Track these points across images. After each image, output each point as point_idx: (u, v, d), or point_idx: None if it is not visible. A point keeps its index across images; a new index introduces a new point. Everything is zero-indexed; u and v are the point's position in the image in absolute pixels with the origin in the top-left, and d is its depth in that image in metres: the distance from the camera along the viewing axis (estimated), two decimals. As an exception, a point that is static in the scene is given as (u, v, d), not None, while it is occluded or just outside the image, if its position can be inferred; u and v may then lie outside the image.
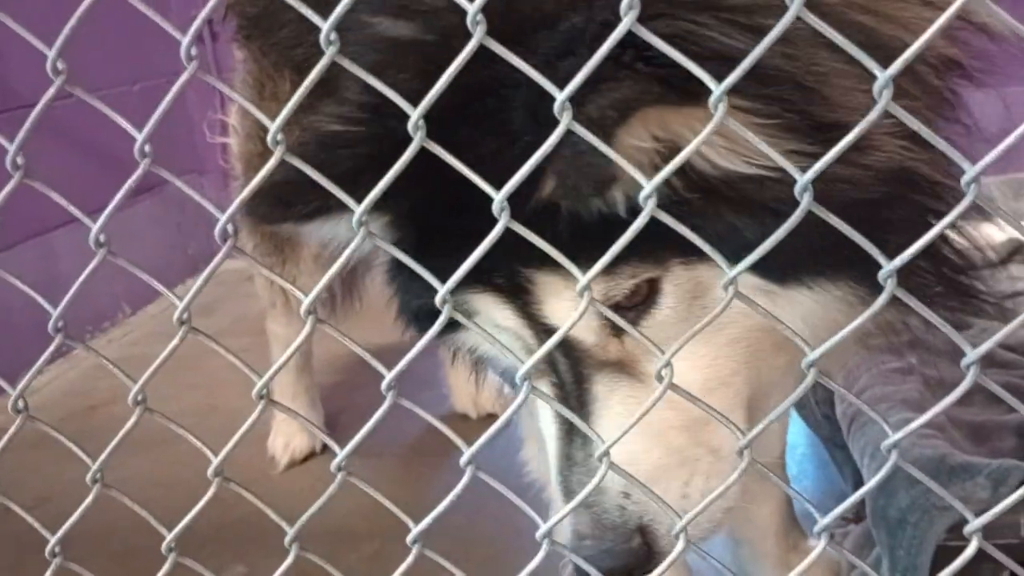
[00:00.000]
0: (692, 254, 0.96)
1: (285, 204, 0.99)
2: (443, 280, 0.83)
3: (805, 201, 0.72)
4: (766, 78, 0.86)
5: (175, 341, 0.90)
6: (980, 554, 1.37)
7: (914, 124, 0.70)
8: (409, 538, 0.87)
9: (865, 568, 0.89)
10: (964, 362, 0.75)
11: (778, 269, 0.98)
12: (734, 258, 0.79)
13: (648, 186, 0.75)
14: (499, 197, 0.77)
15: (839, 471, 2.03)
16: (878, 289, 0.76)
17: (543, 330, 1.08)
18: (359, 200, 0.81)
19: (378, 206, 0.85)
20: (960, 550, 1.36)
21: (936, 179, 1.00)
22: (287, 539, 0.87)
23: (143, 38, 3.25)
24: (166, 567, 0.93)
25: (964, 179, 0.70)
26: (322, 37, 0.75)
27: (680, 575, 1.58)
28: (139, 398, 0.91)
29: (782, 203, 0.91)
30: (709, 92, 0.71)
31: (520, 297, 1.06)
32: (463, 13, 0.72)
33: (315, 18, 0.75)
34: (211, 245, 3.47)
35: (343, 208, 0.84)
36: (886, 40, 0.96)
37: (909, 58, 0.67)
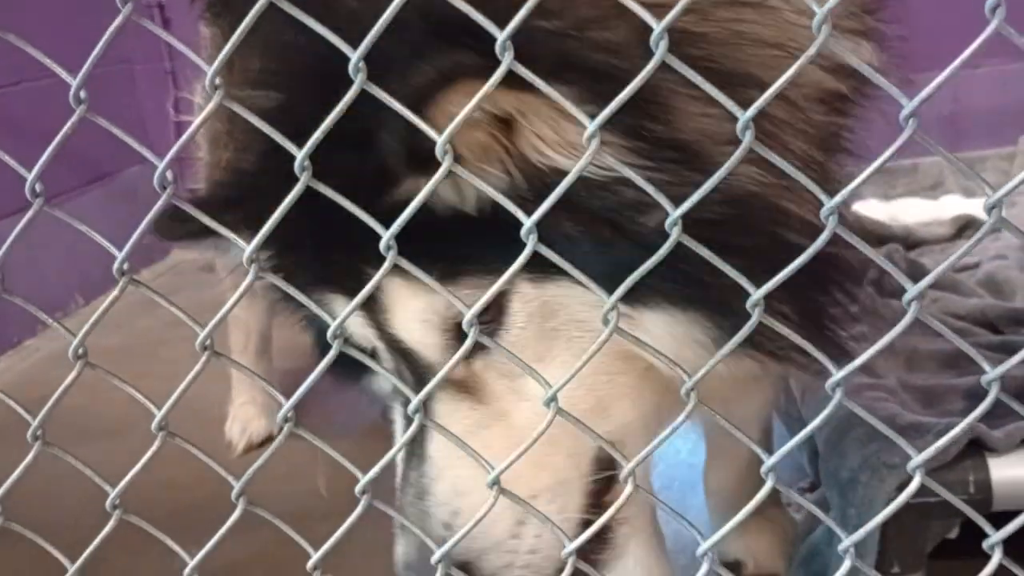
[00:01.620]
0: (541, 270, 0.94)
1: (184, 222, 0.98)
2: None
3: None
4: (606, 82, 0.84)
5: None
6: (930, 511, 1.39)
7: (775, 159, 0.73)
8: (358, 488, 0.86)
9: (806, 503, 0.89)
10: (905, 298, 0.75)
11: (641, 293, 0.93)
12: (599, 277, 0.79)
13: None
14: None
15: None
16: (733, 328, 0.79)
17: (391, 342, 1.06)
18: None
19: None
20: (911, 506, 1.39)
21: (794, 212, 0.99)
22: (234, 493, 0.85)
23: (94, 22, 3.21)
24: (111, 524, 0.91)
25: (903, 114, 0.71)
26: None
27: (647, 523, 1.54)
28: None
29: (620, 215, 0.93)
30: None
31: (368, 304, 1.02)
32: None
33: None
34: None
35: (234, 228, 0.87)
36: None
37: (760, 106, 0.70)
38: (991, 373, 0.77)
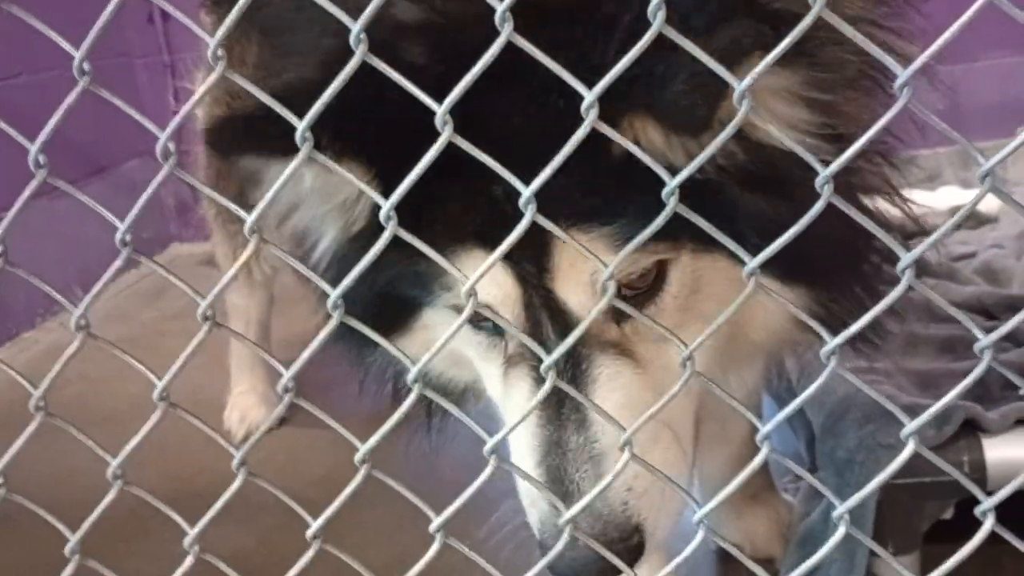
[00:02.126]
0: (705, 241, 0.89)
1: (257, 136, 0.90)
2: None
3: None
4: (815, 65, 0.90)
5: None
6: (925, 490, 1.41)
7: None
8: (357, 457, 0.87)
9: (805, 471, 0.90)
10: (899, 266, 0.76)
11: (786, 266, 0.94)
12: (753, 249, 0.78)
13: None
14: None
15: (792, 431, 2.06)
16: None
17: (545, 305, 1.01)
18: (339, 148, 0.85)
19: (361, 154, 0.90)
20: (905, 487, 1.40)
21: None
22: (235, 463, 0.86)
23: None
24: (110, 498, 0.92)
25: (897, 83, 0.72)
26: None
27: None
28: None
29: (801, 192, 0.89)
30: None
31: (530, 264, 0.98)
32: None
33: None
34: (166, 229, 3.45)
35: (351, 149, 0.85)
36: None
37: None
38: (984, 340, 0.78)
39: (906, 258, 0.77)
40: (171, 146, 0.79)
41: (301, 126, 0.77)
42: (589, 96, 0.73)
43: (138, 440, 0.90)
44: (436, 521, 0.86)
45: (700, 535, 0.86)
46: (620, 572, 0.95)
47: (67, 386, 3.01)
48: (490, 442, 0.85)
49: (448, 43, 0.94)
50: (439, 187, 0.83)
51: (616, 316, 1.02)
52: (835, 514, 0.85)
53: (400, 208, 0.79)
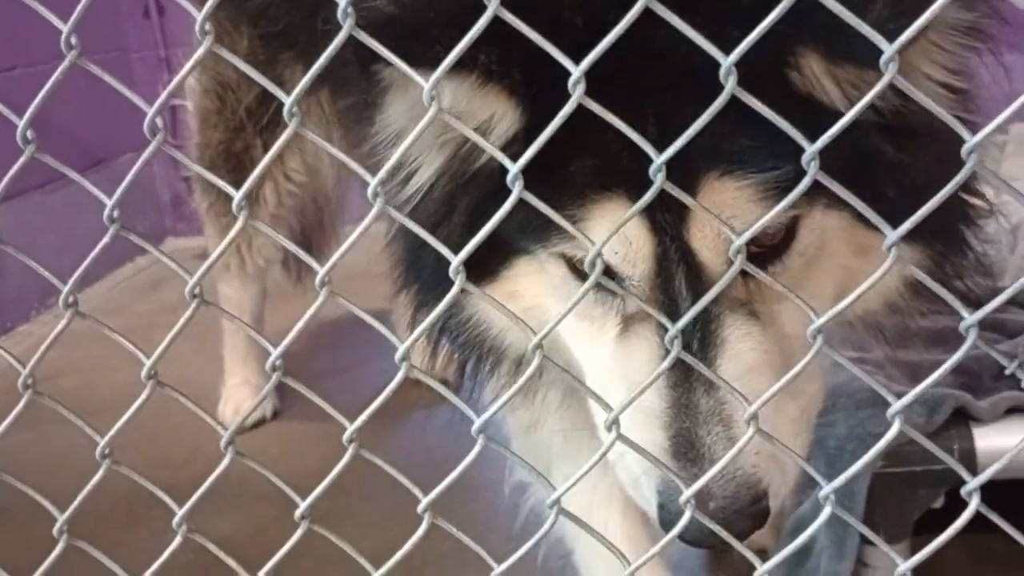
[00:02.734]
0: (836, 200, 0.85)
1: (421, 39, 0.81)
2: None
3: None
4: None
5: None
6: (915, 479, 1.41)
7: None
8: (345, 436, 0.87)
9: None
10: (885, 244, 0.76)
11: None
12: (890, 203, 0.77)
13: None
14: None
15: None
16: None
17: (680, 257, 0.95)
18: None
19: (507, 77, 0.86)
20: (896, 475, 1.41)
21: None
22: (223, 441, 0.86)
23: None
24: (99, 476, 0.92)
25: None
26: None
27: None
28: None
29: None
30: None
31: (666, 212, 0.92)
32: None
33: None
34: (161, 223, 3.46)
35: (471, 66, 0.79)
36: None
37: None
38: (969, 319, 0.78)
39: (891, 236, 0.77)
40: (159, 121, 0.79)
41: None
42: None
43: (126, 419, 0.90)
44: (424, 501, 0.86)
45: (688, 515, 0.86)
46: (746, 537, 0.93)
47: (59, 377, 3.03)
48: (478, 421, 0.85)
49: None
50: (578, 127, 0.77)
51: (743, 272, 0.93)
52: (821, 494, 0.85)
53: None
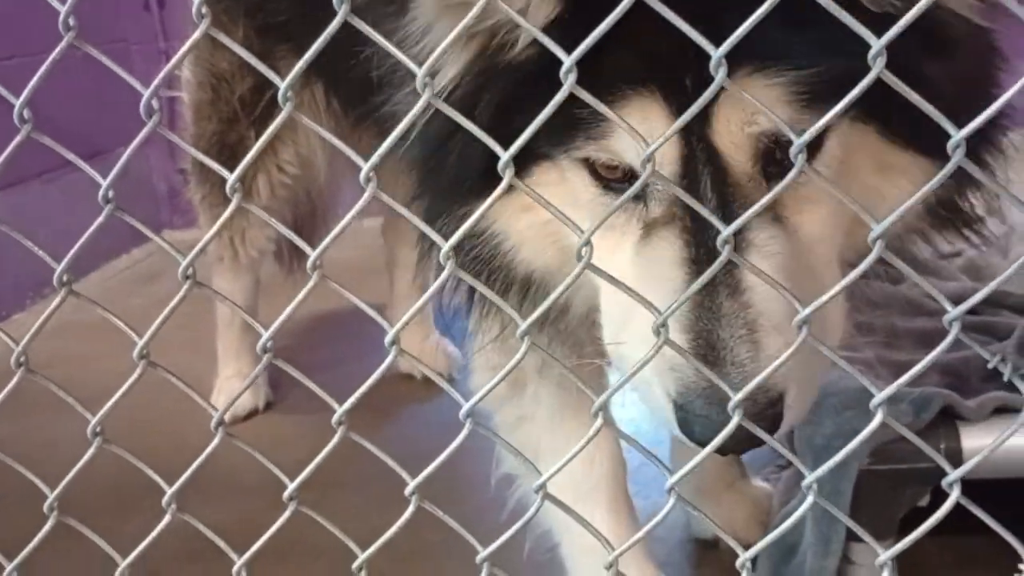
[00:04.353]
0: (866, 109, 0.85)
1: None
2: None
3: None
4: None
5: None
6: (902, 477, 1.42)
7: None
8: (334, 420, 0.87)
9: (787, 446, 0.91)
10: (871, 236, 0.77)
11: (921, 138, 0.93)
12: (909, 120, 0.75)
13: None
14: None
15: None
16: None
17: (707, 160, 0.93)
18: None
19: None
20: (882, 473, 1.41)
21: None
22: (213, 422, 0.87)
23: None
24: (90, 453, 0.93)
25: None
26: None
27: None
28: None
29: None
30: None
31: (683, 96, 0.89)
32: None
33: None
34: (157, 216, 3.45)
35: None
36: None
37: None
38: (952, 312, 0.79)
39: (877, 228, 0.77)
40: (155, 103, 0.79)
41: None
42: None
43: (118, 397, 0.91)
44: (411, 484, 0.87)
45: (671, 502, 0.87)
46: (756, 442, 0.91)
47: (50, 367, 3.01)
48: (466, 406, 0.86)
49: None
50: (617, 27, 0.74)
51: (767, 175, 0.95)
52: (804, 483, 0.86)
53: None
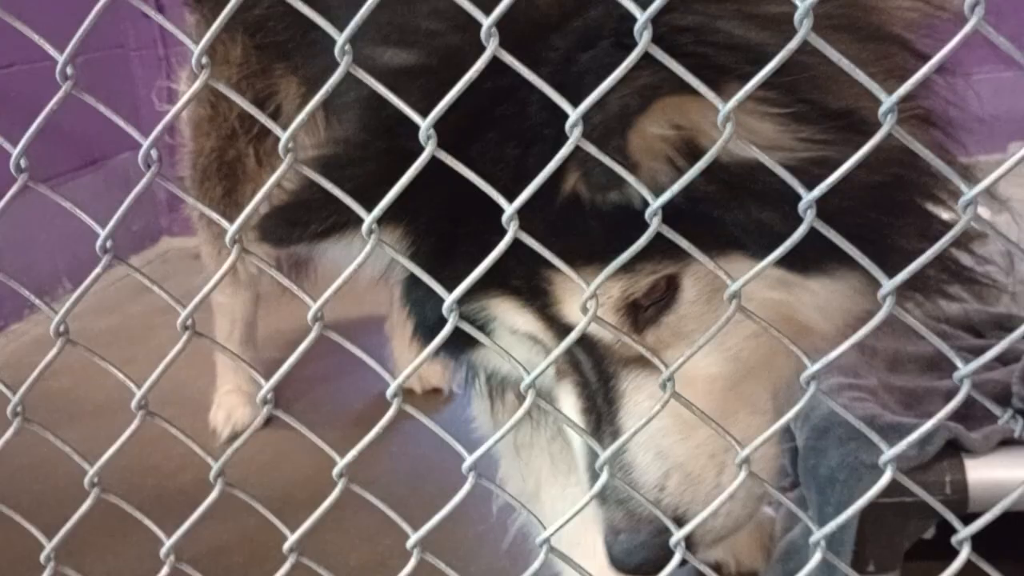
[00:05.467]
0: (712, 249, 0.91)
1: (298, 224, 0.95)
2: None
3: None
4: (779, 69, 0.86)
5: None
6: (907, 509, 1.41)
7: (915, 146, 0.74)
8: (335, 471, 0.86)
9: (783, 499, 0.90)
10: (880, 293, 0.76)
11: (802, 260, 0.97)
12: (763, 250, 0.80)
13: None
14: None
15: (777, 443, 2.06)
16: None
17: (563, 331, 1.06)
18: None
19: (392, 217, 0.90)
20: (888, 505, 1.40)
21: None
22: (212, 473, 0.86)
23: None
24: (87, 505, 0.92)
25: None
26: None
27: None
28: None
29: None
30: (727, 81, 0.77)
31: (539, 299, 1.05)
32: (464, 32, 0.73)
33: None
34: (157, 222, 3.43)
35: (358, 224, 0.85)
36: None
37: (917, 81, 0.71)
38: (963, 370, 0.78)
39: (887, 286, 0.76)
40: (154, 154, 0.78)
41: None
42: (573, 114, 0.73)
43: (116, 448, 0.89)
44: (413, 537, 0.86)
45: (677, 556, 0.86)
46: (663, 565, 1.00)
47: (52, 378, 3.01)
48: (468, 460, 0.84)
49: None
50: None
51: (636, 326, 1.05)
52: (812, 539, 0.85)
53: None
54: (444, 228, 1.01)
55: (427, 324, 1.16)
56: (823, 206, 0.75)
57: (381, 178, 0.83)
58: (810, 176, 0.76)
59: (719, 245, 0.95)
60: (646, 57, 0.74)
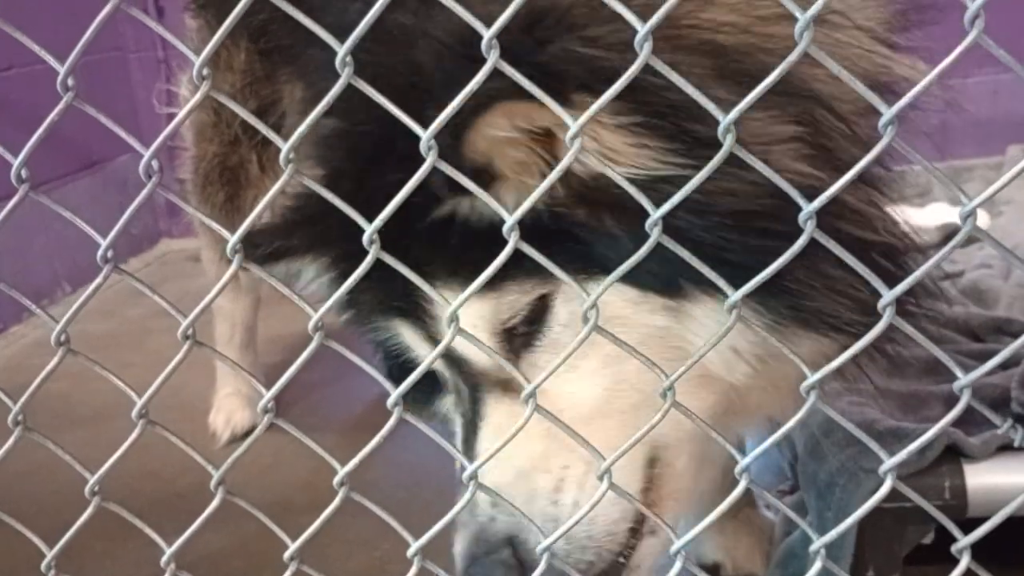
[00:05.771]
0: (581, 270, 0.95)
1: (252, 246, 1.00)
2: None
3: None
4: (638, 90, 0.85)
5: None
6: (906, 516, 1.41)
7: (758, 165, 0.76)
8: (336, 480, 0.86)
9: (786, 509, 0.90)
10: (881, 303, 0.76)
11: (678, 285, 0.98)
12: (641, 274, 0.83)
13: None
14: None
15: (777, 448, 2.06)
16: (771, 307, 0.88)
17: (446, 354, 1.08)
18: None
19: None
20: (887, 511, 1.40)
21: (850, 204, 1.03)
22: (213, 482, 0.86)
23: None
24: (89, 510, 0.92)
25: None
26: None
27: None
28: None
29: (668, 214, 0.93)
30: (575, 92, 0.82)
31: (422, 320, 1.09)
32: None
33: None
34: (155, 225, 3.44)
35: (302, 251, 0.97)
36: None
37: (735, 116, 0.72)
38: (963, 379, 0.78)
39: (887, 296, 0.76)
40: (155, 164, 0.78)
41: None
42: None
43: (116, 458, 0.89)
44: (414, 545, 0.86)
45: (677, 566, 0.86)
46: None
47: (52, 382, 3.00)
48: (469, 468, 0.85)
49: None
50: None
51: (510, 351, 1.06)
52: (812, 548, 0.85)
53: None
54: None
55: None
56: (694, 230, 0.81)
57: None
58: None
59: (589, 267, 0.96)
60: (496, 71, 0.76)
